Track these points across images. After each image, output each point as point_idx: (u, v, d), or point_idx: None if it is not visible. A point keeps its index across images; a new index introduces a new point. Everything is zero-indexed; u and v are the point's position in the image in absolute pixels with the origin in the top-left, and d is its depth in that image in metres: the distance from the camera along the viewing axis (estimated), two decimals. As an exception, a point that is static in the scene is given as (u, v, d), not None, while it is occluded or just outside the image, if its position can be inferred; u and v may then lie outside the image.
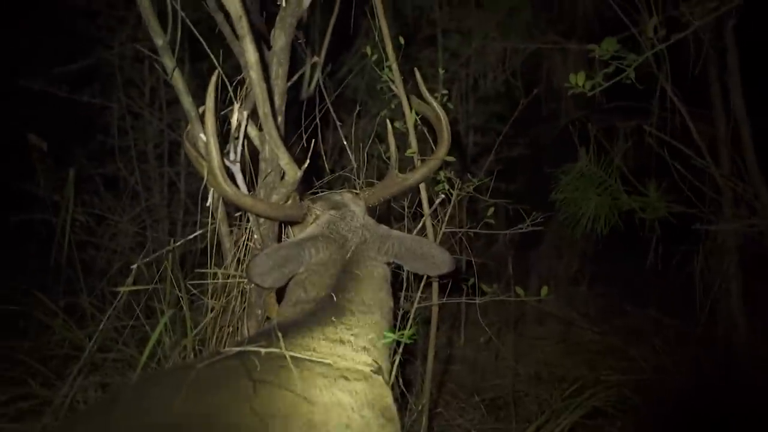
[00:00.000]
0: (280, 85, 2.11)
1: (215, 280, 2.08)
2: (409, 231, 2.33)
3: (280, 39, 2.07)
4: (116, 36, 3.85)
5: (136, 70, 3.97)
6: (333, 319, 1.75)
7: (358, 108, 3.13)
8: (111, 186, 4.01)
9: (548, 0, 4.68)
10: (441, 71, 2.79)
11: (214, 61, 1.91)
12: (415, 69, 2.16)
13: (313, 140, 2.07)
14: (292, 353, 1.52)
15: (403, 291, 2.41)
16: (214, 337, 2.06)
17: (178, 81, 1.98)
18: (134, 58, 3.90)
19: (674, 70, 3.38)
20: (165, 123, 4.02)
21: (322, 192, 2.22)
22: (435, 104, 2.14)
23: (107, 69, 3.93)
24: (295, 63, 2.19)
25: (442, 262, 1.97)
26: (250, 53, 1.75)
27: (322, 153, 2.57)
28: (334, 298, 1.78)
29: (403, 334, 1.95)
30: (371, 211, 2.12)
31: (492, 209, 2.49)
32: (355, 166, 2.42)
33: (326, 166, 2.63)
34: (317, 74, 2.51)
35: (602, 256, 4.92)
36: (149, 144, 4.04)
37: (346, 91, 3.96)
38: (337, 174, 2.60)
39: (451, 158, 2.14)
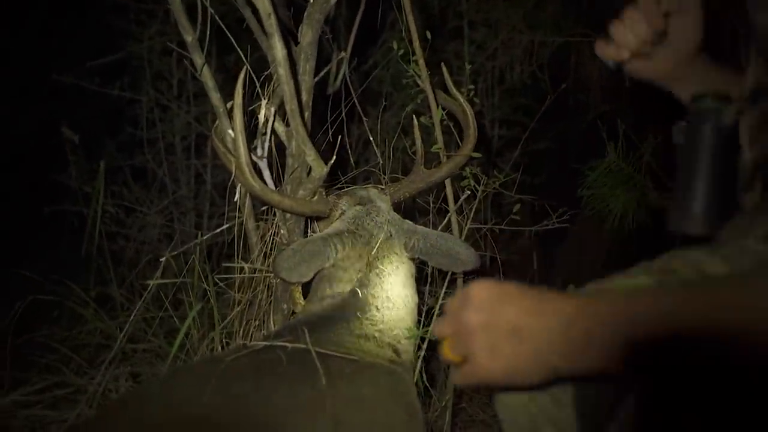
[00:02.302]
0: (307, 81, 2.11)
1: (242, 274, 2.11)
2: (434, 227, 2.32)
3: (307, 35, 2.07)
4: (145, 29, 3.90)
5: (165, 63, 4.01)
6: (358, 314, 1.77)
7: (384, 102, 3.11)
8: (139, 178, 4.08)
9: (578, -9, 4.59)
10: (467, 65, 2.75)
11: (242, 57, 1.92)
12: (442, 64, 2.14)
13: (339, 136, 2.07)
14: (317, 348, 1.54)
15: (428, 286, 2.40)
16: (241, 330, 2.09)
17: (207, 77, 2.00)
18: (163, 51, 3.94)
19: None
20: (192, 115, 4.06)
21: (347, 186, 2.22)
22: (461, 99, 2.12)
23: (136, 62, 3.99)
24: (321, 57, 2.19)
25: (467, 259, 1.97)
26: (277, 50, 1.76)
27: (348, 147, 2.57)
28: (359, 294, 1.79)
29: (427, 330, 1.96)
30: (397, 206, 2.12)
31: (518, 206, 2.46)
32: (381, 161, 2.41)
33: (351, 159, 2.62)
34: (343, 69, 2.50)
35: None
36: (177, 136, 4.09)
37: (372, 83, 3.95)
38: (362, 169, 2.60)
39: (477, 154, 2.12)
